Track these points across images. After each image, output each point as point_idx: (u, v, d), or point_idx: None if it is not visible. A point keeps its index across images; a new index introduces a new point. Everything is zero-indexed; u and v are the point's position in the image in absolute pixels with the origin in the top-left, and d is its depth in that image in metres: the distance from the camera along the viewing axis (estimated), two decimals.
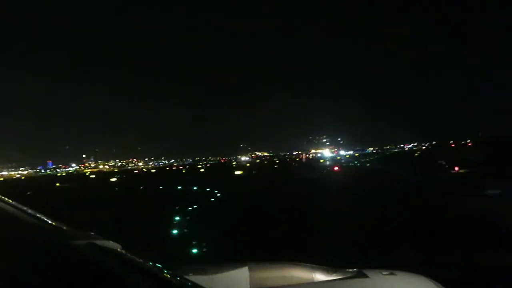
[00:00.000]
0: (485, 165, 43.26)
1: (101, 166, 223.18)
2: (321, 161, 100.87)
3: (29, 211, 1.63)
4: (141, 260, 1.48)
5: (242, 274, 2.53)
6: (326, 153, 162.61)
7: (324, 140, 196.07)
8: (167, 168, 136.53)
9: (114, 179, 67.45)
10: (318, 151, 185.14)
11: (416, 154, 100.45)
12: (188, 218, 17.30)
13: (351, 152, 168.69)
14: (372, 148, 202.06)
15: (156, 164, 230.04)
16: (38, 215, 1.63)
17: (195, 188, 36.15)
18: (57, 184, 63.22)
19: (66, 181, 75.86)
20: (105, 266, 1.25)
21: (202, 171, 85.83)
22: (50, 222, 1.63)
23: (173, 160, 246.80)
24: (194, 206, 21.24)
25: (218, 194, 28.75)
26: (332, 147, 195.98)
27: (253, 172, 62.94)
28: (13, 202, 1.66)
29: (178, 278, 1.54)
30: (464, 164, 46.19)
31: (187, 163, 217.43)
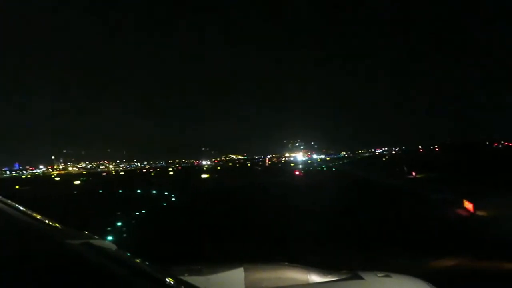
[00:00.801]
0: (446, 169, 44.89)
1: (70, 168, 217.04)
2: (292, 164, 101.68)
3: (24, 210, 1.62)
4: (136, 260, 1.53)
5: (237, 274, 2.55)
6: (299, 157, 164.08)
7: (298, 144, 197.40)
8: (137, 171, 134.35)
9: (77, 182, 65.71)
10: (292, 154, 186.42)
11: (384, 159, 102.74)
12: (126, 223, 16.79)
13: (323, 156, 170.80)
14: (344, 152, 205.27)
15: (128, 166, 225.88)
16: (33, 214, 1.61)
17: (154, 192, 35.58)
18: (16, 187, 60.89)
19: (28, 183, 73.24)
20: (100, 266, 1.26)
21: (171, 174, 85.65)
22: (45, 221, 1.61)
23: (146, 163, 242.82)
24: (142, 211, 20.72)
25: (173, 198, 28.43)
26: (306, 151, 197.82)
27: (215, 176, 63.04)
28: (8, 201, 1.62)
29: (173, 279, 1.54)
30: (427, 168, 47.68)
31: (159, 165, 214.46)
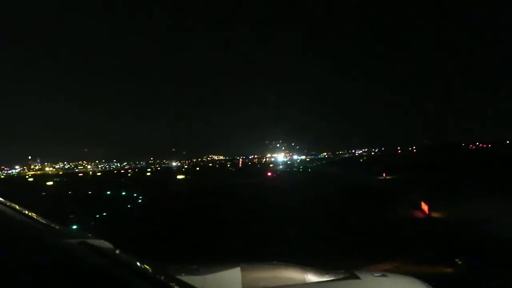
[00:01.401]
0: (418, 170, 45.74)
1: (47, 169, 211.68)
2: (271, 165, 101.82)
3: (21, 209, 1.61)
4: (133, 260, 1.50)
5: (234, 274, 2.54)
6: (280, 157, 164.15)
7: (278, 145, 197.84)
8: (115, 172, 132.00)
9: (50, 183, 64.11)
10: (273, 155, 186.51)
11: (361, 160, 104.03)
12: (83, 226, 16.45)
13: (303, 157, 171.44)
14: (325, 153, 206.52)
15: (107, 167, 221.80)
16: (30, 213, 1.60)
17: (123, 193, 35.07)
18: None
19: None
20: (97, 265, 1.26)
21: (148, 175, 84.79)
22: (41, 220, 1.60)
23: (126, 163, 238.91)
24: (103, 214, 20.37)
25: (139, 200, 28.07)
26: (287, 152, 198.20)
27: (188, 177, 62.76)
28: (4, 200, 1.60)
29: (170, 278, 1.55)
30: (400, 169, 48.49)
31: (139, 166, 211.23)
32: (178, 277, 2.04)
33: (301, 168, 72.49)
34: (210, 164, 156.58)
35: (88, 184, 55.28)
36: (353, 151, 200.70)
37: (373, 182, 34.10)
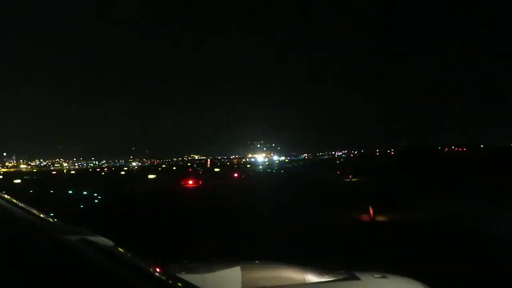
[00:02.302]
0: (390, 171, 46.35)
1: (22, 166, 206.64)
2: (248, 166, 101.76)
3: (21, 205, 1.58)
4: (133, 257, 1.48)
5: (234, 273, 2.56)
6: (260, 158, 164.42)
7: (259, 146, 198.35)
8: (90, 170, 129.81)
9: (18, 181, 62.47)
10: (253, 156, 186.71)
11: (337, 162, 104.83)
12: None
13: (283, 158, 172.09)
14: (306, 155, 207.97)
15: (84, 164, 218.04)
16: (29, 209, 1.58)
17: (85, 192, 34.38)
18: None
19: None
20: (97, 262, 1.25)
21: (122, 174, 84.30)
22: (42, 216, 1.58)
23: (104, 161, 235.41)
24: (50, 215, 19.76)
25: (96, 201, 27.54)
26: (269, 152, 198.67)
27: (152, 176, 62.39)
28: (6, 196, 1.59)
29: (170, 276, 1.52)
30: (373, 170, 49.04)
31: (118, 165, 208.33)
32: (178, 275, 2.02)
33: (274, 170, 72.51)
34: (189, 164, 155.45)
35: (54, 183, 54.09)
36: (333, 152, 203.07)
37: (335, 184, 34.27)
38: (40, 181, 63.81)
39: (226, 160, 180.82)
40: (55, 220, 1.69)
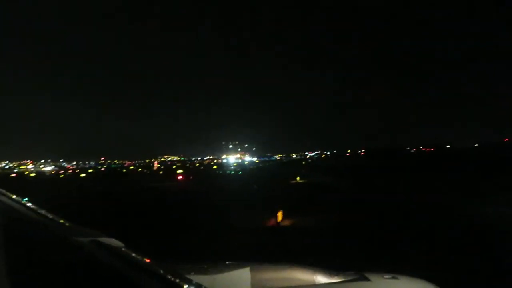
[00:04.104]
0: (339, 174, 46.53)
1: None
2: (214, 167, 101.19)
3: (34, 207, 1.55)
4: (143, 259, 1.50)
5: (243, 274, 2.56)
6: (231, 159, 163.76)
7: (231, 146, 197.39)
8: (53, 172, 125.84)
9: None
10: (226, 157, 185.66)
11: (303, 162, 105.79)
12: None
13: (254, 159, 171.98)
14: (279, 155, 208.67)
15: (54, 166, 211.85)
16: (41, 211, 1.55)
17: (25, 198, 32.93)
18: None
19: None
20: (108, 263, 1.27)
21: (82, 176, 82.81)
22: (53, 218, 1.57)
23: (74, 162, 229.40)
24: None
25: None
26: (243, 153, 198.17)
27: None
28: (17, 198, 1.55)
29: (180, 277, 1.54)
30: (329, 171, 49.16)
31: (87, 166, 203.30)
32: (188, 276, 1.97)
33: (232, 171, 71.88)
34: (158, 165, 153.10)
35: (10, 185, 51.94)
36: (306, 153, 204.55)
37: (278, 186, 33.78)
38: None
39: (200, 161, 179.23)
40: (66, 221, 1.63)
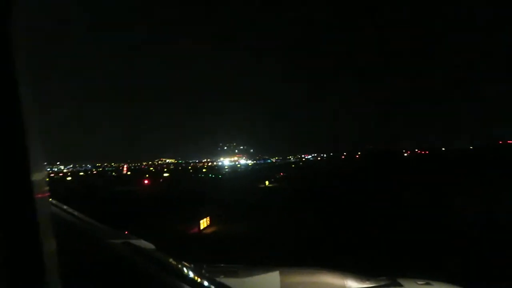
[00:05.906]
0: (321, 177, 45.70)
1: None
2: (203, 170, 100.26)
3: (69, 209, 1.62)
4: (173, 261, 1.54)
5: (273, 278, 2.54)
6: (226, 162, 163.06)
7: (225, 148, 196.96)
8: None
9: None
10: (221, 159, 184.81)
11: (293, 165, 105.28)
12: None
13: (249, 162, 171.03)
14: (276, 158, 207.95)
15: (48, 169, 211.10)
16: (77, 213, 1.61)
17: None
18: None
19: None
20: (140, 265, 1.31)
21: (68, 179, 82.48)
22: (88, 220, 1.63)
23: (71, 166, 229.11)
24: None
25: None
26: (240, 155, 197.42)
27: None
28: (54, 201, 1.60)
29: (209, 280, 1.58)
30: (310, 175, 48.26)
31: (83, 169, 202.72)
32: (217, 278, 2.07)
33: (219, 175, 70.83)
34: (152, 169, 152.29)
35: None
36: (302, 156, 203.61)
37: (239, 194, 32.69)
38: None
39: (195, 164, 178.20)
40: (97, 222, 1.67)
